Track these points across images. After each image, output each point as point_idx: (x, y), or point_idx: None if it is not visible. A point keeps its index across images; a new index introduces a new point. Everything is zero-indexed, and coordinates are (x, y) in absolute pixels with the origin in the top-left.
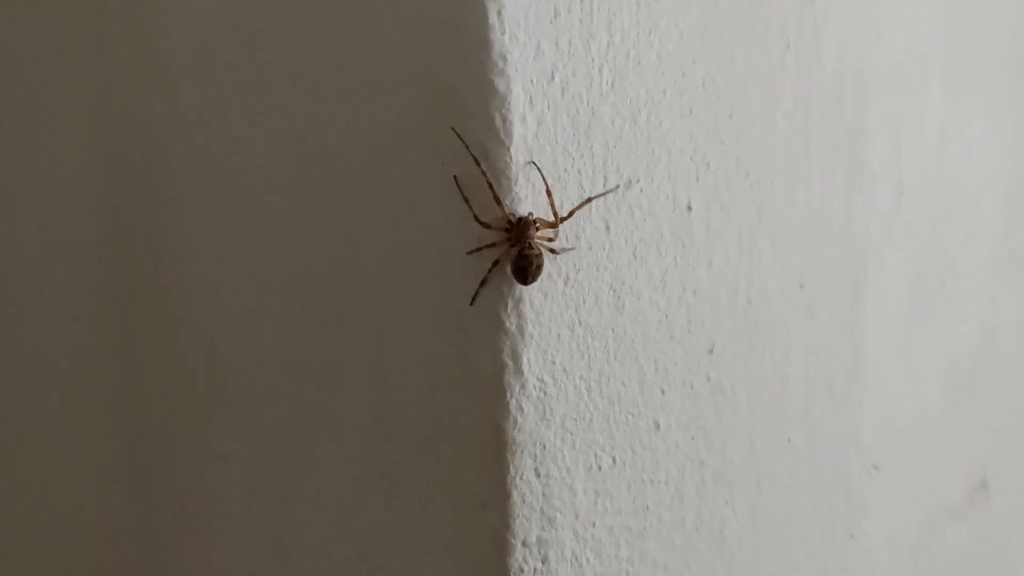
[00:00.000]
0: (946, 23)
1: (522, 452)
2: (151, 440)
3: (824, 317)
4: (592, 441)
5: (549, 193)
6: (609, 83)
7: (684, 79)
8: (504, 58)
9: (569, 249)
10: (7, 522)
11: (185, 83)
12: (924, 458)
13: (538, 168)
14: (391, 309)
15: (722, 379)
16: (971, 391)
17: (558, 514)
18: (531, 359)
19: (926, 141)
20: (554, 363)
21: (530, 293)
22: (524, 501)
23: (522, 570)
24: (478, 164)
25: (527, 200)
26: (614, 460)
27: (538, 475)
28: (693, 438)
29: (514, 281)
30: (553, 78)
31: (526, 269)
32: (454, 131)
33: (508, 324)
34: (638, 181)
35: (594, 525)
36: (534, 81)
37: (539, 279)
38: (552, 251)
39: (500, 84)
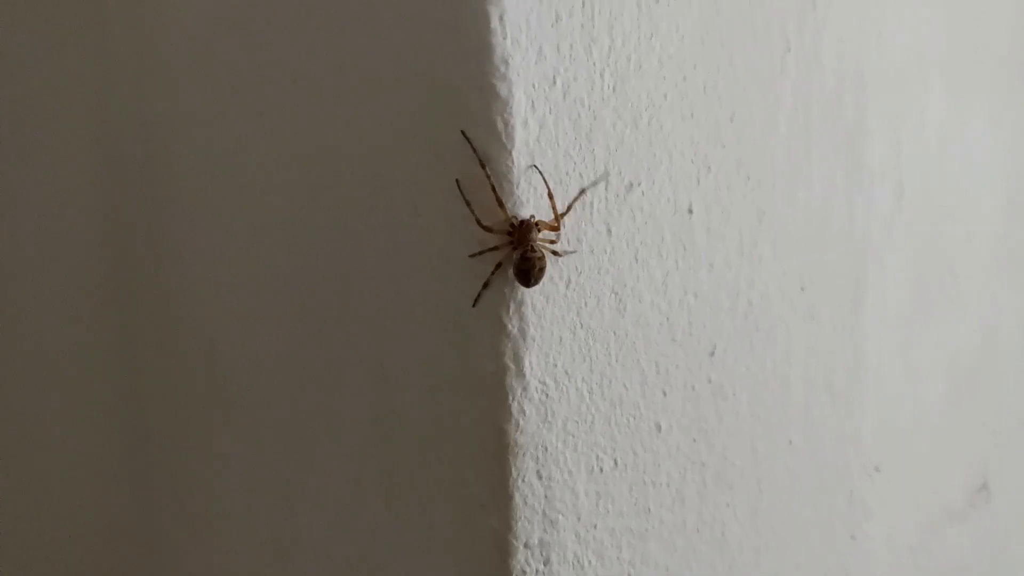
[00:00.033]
0: (946, 23)
1: (524, 454)
2: (151, 440)
3: (825, 319)
4: (594, 443)
5: (551, 196)
6: (610, 87)
7: (685, 83)
8: (506, 62)
9: (571, 252)
10: (7, 522)
11: (185, 83)
12: (925, 459)
13: (540, 172)
14: (392, 310)
15: (723, 381)
16: (971, 392)
17: (560, 516)
18: (533, 362)
19: (926, 142)
20: (556, 366)
21: (532, 296)
22: (526, 503)
23: (524, 572)
24: (483, 167)
25: (529, 204)
26: (616, 462)
27: (540, 477)
28: (694, 440)
29: (516, 284)
30: (555, 82)
31: (529, 272)
32: (463, 134)
33: (510, 327)
34: (639, 184)
35: (596, 527)
36: (536, 85)
37: (541, 281)
38: (555, 253)
39: (502, 88)
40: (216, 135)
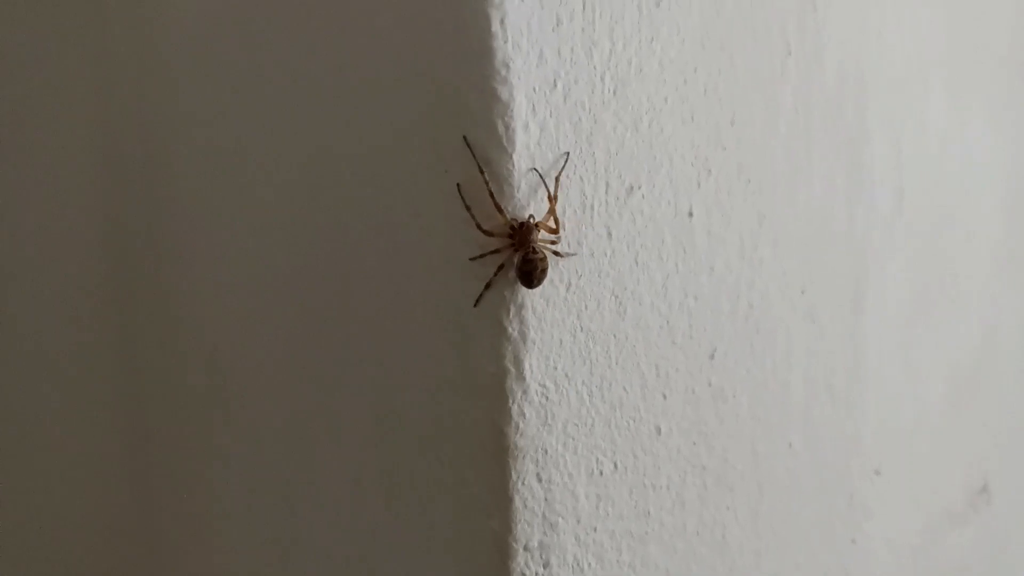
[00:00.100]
0: (946, 25)
1: (524, 457)
2: (151, 440)
3: (825, 321)
4: (594, 446)
5: (550, 199)
6: (611, 90)
7: (686, 86)
8: (507, 66)
9: (572, 254)
10: (7, 522)
11: (185, 83)
12: (925, 461)
13: (540, 175)
14: (392, 311)
15: (723, 384)
16: (971, 393)
17: (560, 519)
18: (533, 364)
19: (926, 143)
20: (556, 368)
21: (532, 299)
22: (526, 506)
23: (523, 574)
24: (482, 172)
25: (530, 207)
26: (616, 465)
27: (540, 480)
28: (694, 443)
29: (516, 287)
30: (555, 86)
31: (531, 273)
32: (464, 140)
33: (510, 330)
34: (640, 187)
35: (595, 530)
36: (537, 89)
37: (543, 283)
38: (556, 253)
39: (503, 92)
40: (216, 135)
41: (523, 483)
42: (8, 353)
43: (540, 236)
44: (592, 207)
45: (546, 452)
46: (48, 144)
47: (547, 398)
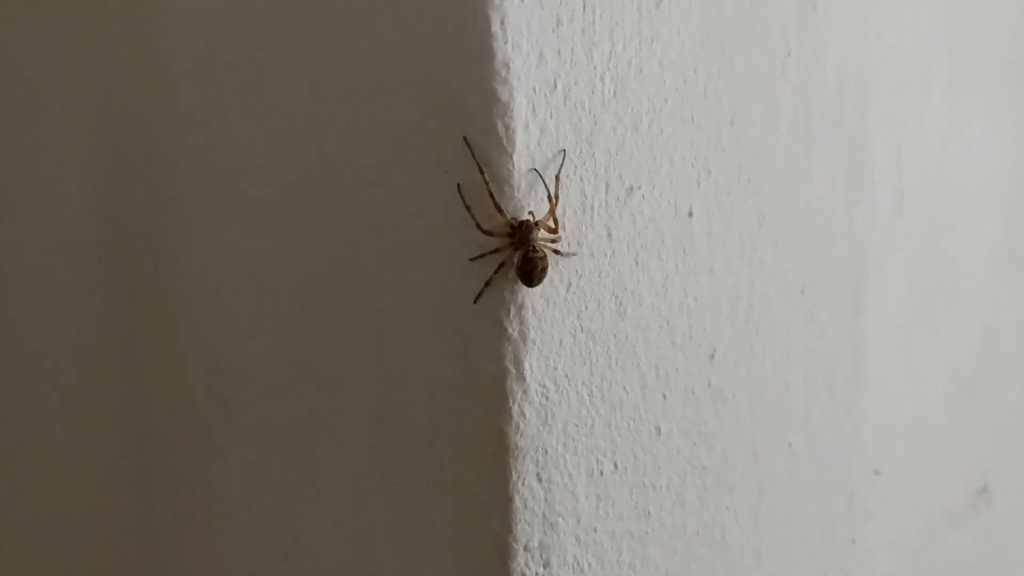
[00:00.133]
0: (946, 26)
1: (524, 457)
2: (151, 440)
3: (825, 321)
4: (594, 446)
5: (550, 199)
6: (611, 91)
7: (686, 87)
8: (507, 67)
9: (572, 254)
10: (7, 522)
11: (185, 83)
12: (925, 462)
13: (540, 175)
14: (392, 311)
15: (723, 384)
16: (972, 394)
17: (560, 519)
18: (533, 365)
19: (927, 144)
20: (556, 369)
21: (532, 299)
22: (526, 506)
23: (524, 574)
24: (482, 173)
25: (529, 206)
26: (616, 465)
27: (540, 480)
28: (694, 443)
29: (516, 287)
30: (555, 86)
31: (531, 272)
32: (465, 141)
33: (510, 330)
34: (640, 188)
35: (595, 530)
36: (537, 89)
37: (543, 282)
38: (556, 252)
39: (503, 93)
40: (216, 135)
41: (523, 483)
42: (8, 353)
43: (540, 235)
44: (592, 207)
45: (546, 452)
46: (48, 144)
47: (547, 398)
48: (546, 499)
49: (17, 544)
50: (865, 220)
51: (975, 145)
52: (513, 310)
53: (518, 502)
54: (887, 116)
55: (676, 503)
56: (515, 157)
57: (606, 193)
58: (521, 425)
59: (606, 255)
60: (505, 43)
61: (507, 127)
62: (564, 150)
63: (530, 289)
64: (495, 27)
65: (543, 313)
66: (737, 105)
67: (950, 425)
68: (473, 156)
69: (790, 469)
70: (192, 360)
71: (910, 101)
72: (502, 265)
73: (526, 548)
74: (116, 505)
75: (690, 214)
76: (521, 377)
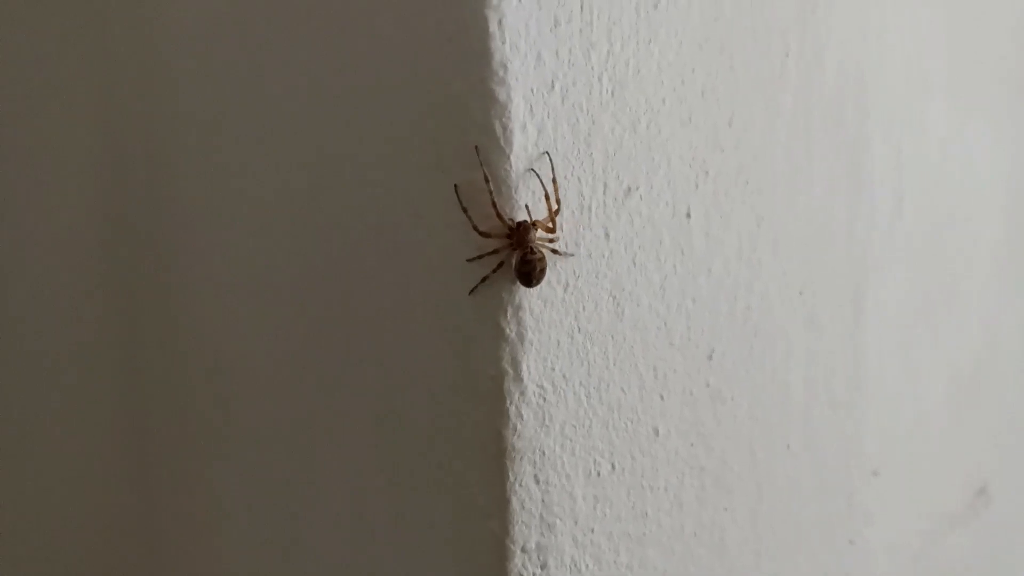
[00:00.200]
0: (946, 26)
1: (521, 458)
2: (151, 440)
3: (825, 323)
4: (591, 447)
5: (548, 198)
6: (609, 92)
7: (683, 87)
8: (505, 67)
9: (570, 255)
10: (7, 522)
11: (185, 83)
12: (925, 463)
13: (538, 175)
14: (392, 312)
15: (721, 385)
16: (972, 395)
17: (557, 520)
18: (531, 366)
19: (927, 145)
20: (553, 370)
21: (530, 300)
22: (523, 507)
23: (521, 575)
24: (487, 181)
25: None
26: (613, 466)
27: (537, 481)
28: (692, 444)
29: (514, 288)
30: (553, 87)
31: (530, 273)
32: (476, 150)
33: (508, 331)
34: (638, 188)
35: (593, 531)
36: (534, 90)
37: (541, 283)
38: (555, 251)
39: (501, 93)
40: (216, 135)
41: (520, 484)
42: (8, 353)
43: (538, 235)
44: (590, 208)
45: (544, 453)
46: (48, 144)
47: (545, 399)
48: (543, 500)
49: (17, 544)
50: (865, 220)
51: (975, 145)
52: (510, 311)
53: (515, 503)
54: (887, 116)
55: (674, 504)
56: (512, 158)
57: (604, 194)
58: (518, 426)
59: (604, 256)
60: (503, 43)
61: (505, 127)
62: (547, 152)
63: (528, 289)
64: (493, 27)
65: (540, 314)
66: (736, 106)
67: (950, 426)
68: (480, 164)
69: (789, 470)
70: (192, 360)
71: (910, 101)
72: (501, 264)
73: (523, 549)
74: (116, 505)
75: (688, 215)
76: (518, 378)
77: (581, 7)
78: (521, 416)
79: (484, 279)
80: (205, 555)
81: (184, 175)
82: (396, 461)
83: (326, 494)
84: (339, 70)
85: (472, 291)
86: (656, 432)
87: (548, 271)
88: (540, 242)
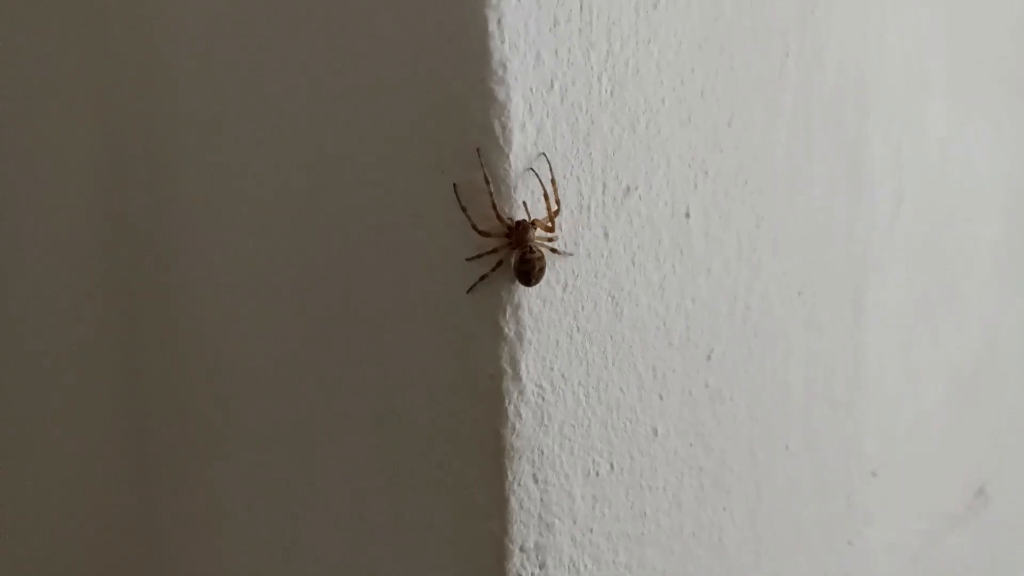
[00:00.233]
0: (946, 26)
1: (520, 458)
2: (151, 440)
3: (825, 323)
4: (590, 447)
5: (547, 197)
6: (608, 91)
7: (683, 87)
8: (504, 66)
9: (569, 254)
10: (7, 522)
11: (185, 83)
12: (925, 463)
13: (536, 175)
14: (392, 312)
15: (721, 385)
16: (972, 396)
17: (556, 520)
18: (529, 365)
19: (927, 145)
20: (552, 369)
21: (528, 299)
22: (522, 507)
23: (520, 575)
24: (488, 182)
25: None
26: (612, 466)
27: (536, 481)
28: (691, 444)
29: (513, 287)
30: (552, 86)
31: (529, 272)
32: (477, 152)
33: (507, 330)
34: (637, 188)
35: (592, 531)
36: (533, 89)
37: (540, 282)
38: (554, 251)
39: (500, 92)
40: (216, 135)
41: (519, 484)
42: (8, 353)
43: (537, 234)
44: (589, 208)
45: (542, 453)
46: (48, 144)
47: (543, 399)
48: (542, 500)
49: (17, 544)
50: (865, 220)
51: (975, 145)
52: (509, 310)
53: (514, 503)
54: (887, 116)
55: (673, 504)
56: (511, 157)
57: (603, 193)
58: (517, 426)
59: (603, 255)
60: (502, 43)
61: (504, 127)
62: (544, 153)
63: (527, 289)
64: (492, 27)
65: (539, 313)
66: (736, 106)
67: (950, 426)
68: (482, 165)
69: (788, 470)
70: (192, 360)
71: (910, 101)
72: (500, 263)
73: (522, 549)
74: (116, 505)
75: (687, 215)
76: (517, 377)
77: (580, 7)
78: (520, 415)
79: (483, 277)
80: (205, 555)
81: (184, 175)
82: (397, 460)
83: (326, 494)
84: (339, 70)
85: (471, 289)
86: (655, 432)
87: (547, 270)
88: (539, 241)
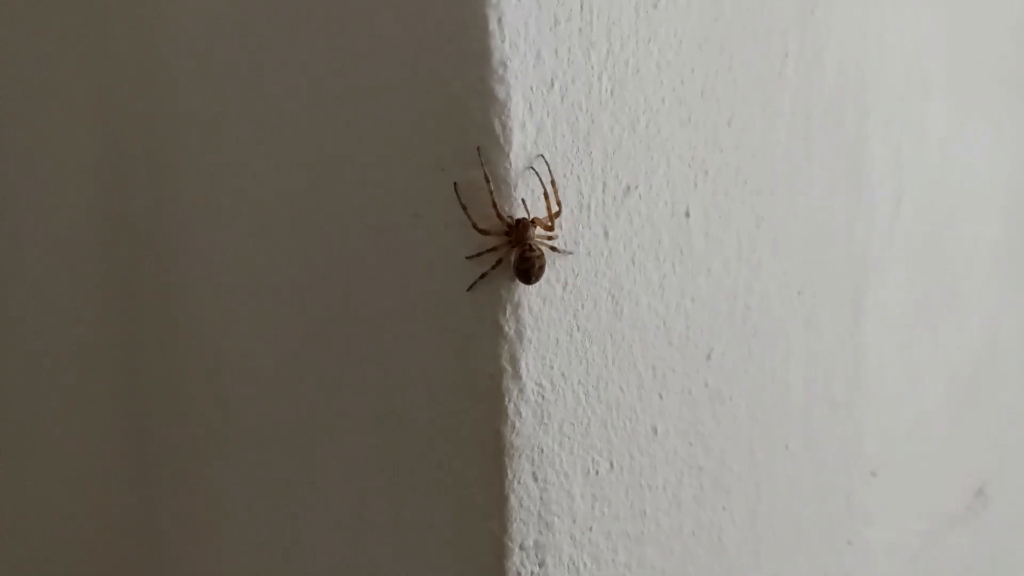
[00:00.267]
0: (946, 26)
1: (520, 456)
2: (151, 440)
3: (825, 323)
4: (590, 446)
5: (547, 197)
6: (608, 91)
7: (683, 87)
8: (504, 66)
9: (568, 252)
10: (7, 522)
11: (185, 83)
12: (925, 463)
13: (537, 174)
14: (391, 311)
15: (720, 385)
16: (972, 396)
17: (555, 519)
18: (529, 364)
19: (927, 145)
20: (552, 368)
21: (528, 298)
22: (522, 505)
23: (519, 574)
24: (488, 181)
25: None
26: (612, 465)
27: (536, 479)
28: (691, 444)
29: (513, 286)
30: (553, 86)
31: (529, 271)
32: (478, 151)
33: (507, 329)
34: (637, 188)
35: (591, 530)
36: (534, 88)
37: (540, 281)
38: (554, 249)
39: (500, 91)
40: (216, 135)
41: (519, 483)
42: (8, 353)
43: (537, 233)
44: (589, 207)
45: (542, 451)
46: (48, 144)
47: (543, 397)
48: (542, 498)
49: (17, 544)
50: (865, 221)
51: (975, 145)
52: (509, 309)
53: (514, 501)
54: (887, 117)
55: (673, 504)
56: (511, 156)
57: (603, 193)
58: (517, 424)
59: (603, 255)
60: (502, 42)
61: (504, 126)
62: (542, 155)
63: (527, 287)
64: (492, 26)
65: (539, 312)
66: (735, 106)
67: (949, 426)
68: (482, 163)
69: (788, 470)
70: (192, 360)
71: (910, 102)
72: (500, 261)
73: (522, 547)
74: (116, 505)
75: (687, 214)
76: (517, 376)
77: (581, 6)
78: (520, 414)
79: (483, 276)
80: (205, 555)
81: (184, 175)
82: (397, 460)
83: (326, 494)
84: (339, 70)
85: (471, 288)
86: (655, 431)
87: (547, 269)
88: (539, 239)
